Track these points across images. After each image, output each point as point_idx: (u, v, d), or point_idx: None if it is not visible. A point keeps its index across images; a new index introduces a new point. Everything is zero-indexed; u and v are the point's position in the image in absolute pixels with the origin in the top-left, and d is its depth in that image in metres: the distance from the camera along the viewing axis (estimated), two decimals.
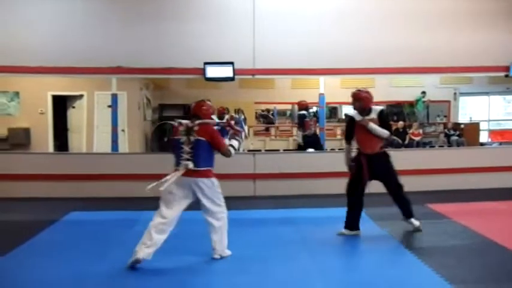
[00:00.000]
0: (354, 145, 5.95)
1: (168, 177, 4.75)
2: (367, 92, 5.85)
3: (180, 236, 5.77)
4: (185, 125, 4.88)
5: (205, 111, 4.99)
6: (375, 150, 5.78)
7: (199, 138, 4.80)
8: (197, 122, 4.87)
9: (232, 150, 5.06)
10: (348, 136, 5.96)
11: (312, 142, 10.21)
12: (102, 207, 7.51)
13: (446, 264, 4.73)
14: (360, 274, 4.67)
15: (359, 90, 5.87)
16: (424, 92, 14.10)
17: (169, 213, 4.77)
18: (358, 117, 5.79)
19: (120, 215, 7.09)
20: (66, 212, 7.08)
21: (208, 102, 5.09)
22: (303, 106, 10.67)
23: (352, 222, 5.88)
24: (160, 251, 5.00)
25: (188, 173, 4.75)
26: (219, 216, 4.92)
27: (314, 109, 10.79)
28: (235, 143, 5.15)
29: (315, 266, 4.84)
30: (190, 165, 4.74)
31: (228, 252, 5.00)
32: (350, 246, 5.62)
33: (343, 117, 15.11)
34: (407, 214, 5.97)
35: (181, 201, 4.83)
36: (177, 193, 4.80)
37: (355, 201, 5.90)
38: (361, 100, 5.78)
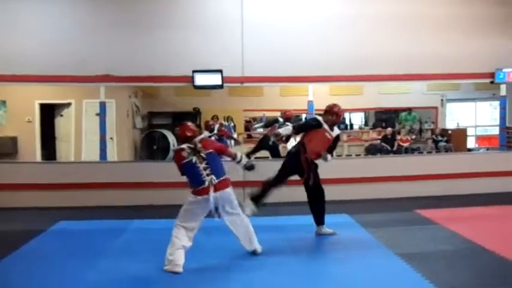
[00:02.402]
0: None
1: (198, 200, 4.95)
2: (340, 109, 6.16)
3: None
4: (187, 147, 5.02)
5: (195, 131, 5.21)
6: (314, 158, 6.07)
7: (209, 151, 5.02)
8: (198, 139, 5.08)
9: (237, 153, 5.49)
10: (300, 130, 6.13)
11: (273, 147, 10.05)
12: (90, 217, 7.45)
13: (435, 270, 4.76)
14: (349, 280, 4.66)
15: (334, 105, 6.14)
16: (409, 109, 14.30)
17: (196, 226, 5.02)
18: (326, 127, 6.04)
19: (109, 224, 7.04)
20: (54, 222, 7.00)
21: (189, 123, 5.29)
22: (289, 116, 10.37)
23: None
24: (154, 261, 5.00)
25: (212, 188, 4.92)
26: (243, 219, 5.23)
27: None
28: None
29: (304, 274, 4.86)
30: (215, 179, 4.94)
31: (259, 246, 5.33)
32: (339, 252, 5.63)
33: None
34: (322, 221, 6.22)
35: (204, 214, 5.05)
36: (206, 210, 5.00)
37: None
38: (334, 115, 6.07)
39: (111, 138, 11.21)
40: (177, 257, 4.79)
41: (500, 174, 8.96)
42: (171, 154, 12.66)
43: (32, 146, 11.48)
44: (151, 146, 12.77)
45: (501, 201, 8.04)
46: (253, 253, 5.28)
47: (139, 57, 8.67)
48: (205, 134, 5.38)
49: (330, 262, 5.26)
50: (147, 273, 4.80)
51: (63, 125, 12.18)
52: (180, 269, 4.76)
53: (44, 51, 8.52)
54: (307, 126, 6.22)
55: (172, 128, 13.71)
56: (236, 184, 5.57)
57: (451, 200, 8.24)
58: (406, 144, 13.05)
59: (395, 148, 12.90)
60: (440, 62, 9.09)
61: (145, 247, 5.79)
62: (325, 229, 6.20)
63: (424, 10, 9.12)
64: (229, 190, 5.09)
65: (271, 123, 10.44)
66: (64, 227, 6.90)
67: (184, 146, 5.05)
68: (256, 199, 5.98)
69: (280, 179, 6.10)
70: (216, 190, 4.92)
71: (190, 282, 4.62)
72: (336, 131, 6.18)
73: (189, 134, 5.11)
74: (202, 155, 4.97)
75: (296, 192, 8.25)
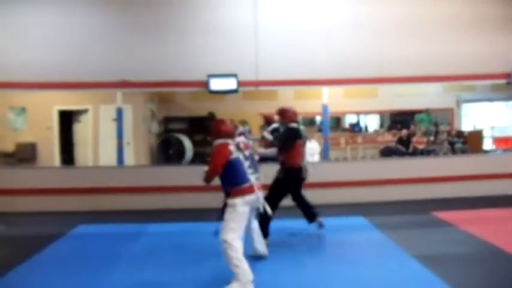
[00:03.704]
0: None
1: (254, 197, 4.72)
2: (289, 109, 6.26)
3: (189, 249, 5.84)
4: (234, 143, 4.82)
5: (232, 130, 5.01)
6: None
7: (250, 152, 5.00)
8: (239, 139, 5.00)
9: None
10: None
11: None
12: (109, 220, 7.58)
13: (452, 272, 4.75)
14: (365, 282, 4.68)
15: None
16: (427, 110, 14.07)
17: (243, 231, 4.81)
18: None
19: (127, 227, 7.15)
20: (73, 226, 7.14)
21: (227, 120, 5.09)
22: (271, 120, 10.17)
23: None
24: (171, 265, 5.07)
25: (257, 187, 4.80)
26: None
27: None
28: None
29: (321, 275, 4.88)
30: (258, 176, 4.89)
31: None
32: (356, 254, 5.65)
33: (347, 126, 15.15)
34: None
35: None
36: (251, 210, 4.83)
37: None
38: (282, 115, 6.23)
39: (128, 143, 11.34)
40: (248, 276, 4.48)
41: None
42: (187, 158, 12.76)
43: (51, 151, 11.67)
44: (167, 151, 12.87)
45: None
46: (262, 256, 5.31)
47: (155, 63, 8.78)
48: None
49: (346, 264, 5.27)
50: (164, 277, 4.86)
51: (81, 130, 12.35)
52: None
53: (62, 59, 8.67)
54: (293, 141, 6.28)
55: (188, 132, 13.82)
56: None
57: (468, 202, 8.20)
58: (421, 146, 12.94)
59: (410, 150, 12.81)
60: (456, 63, 9.04)
61: (162, 250, 5.87)
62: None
63: (439, 11, 9.09)
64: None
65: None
66: (83, 231, 7.03)
67: (229, 141, 4.80)
68: None
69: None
70: (259, 190, 4.81)
71: (207, 285, 4.68)
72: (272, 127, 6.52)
73: (230, 130, 4.91)
74: (246, 153, 4.88)
75: (314, 195, 8.30)
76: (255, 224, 5.26)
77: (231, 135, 4.87)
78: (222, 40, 8.86)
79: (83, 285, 4.72)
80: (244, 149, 4.90)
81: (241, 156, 4.78)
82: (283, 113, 6.16)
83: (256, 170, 4.94)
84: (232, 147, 4.75)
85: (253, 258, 5.25)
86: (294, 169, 6.00)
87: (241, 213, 4.62)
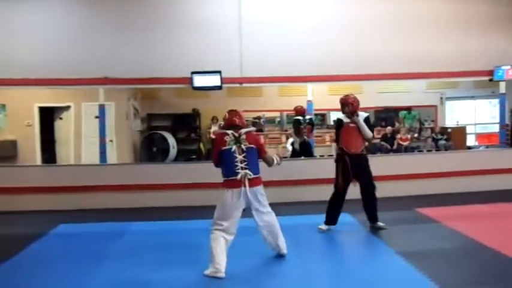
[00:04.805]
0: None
1: (230, 193, 4.75)
2: (355, 97, 6.42)
3: (173, 247, 5.76)
4: (231, 134, 4.87)
5: (243, 120, 5.08)
6: (358, 151, 6.29)
7: (251, 146, 4.87)
8: (244, 130, 4.93)
9: (274, 159, 5.19)
10: (337, 138, 6.54)
11: (304, 149, 10.07)
12: (91, 219, 7.45)
13: (436, 268, 4.75)
14: (350, 279, 4.66)
15: (345, 96, 6.43)
16: (409, 108, 14.18)
17: (232, 225, 4.77)
18: (347, 120, 6.36)
19: (109, 226, 7.03)
20: (55, 225, 7.00)
21: (240, 111, 5.15)
22: (300, 112, 10.48)
23: (332, 218, 6.36)
24: (155, 264, 4.99)
25: (246, 182, 4.75)
26: (273, 217, 5.06)
27: (309, 116, 10.54)
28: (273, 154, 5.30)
29: (306, 272, 4.84)
30: (249, 173, 4.77)
31: (285, 251, 5.20)
32: (340, 251, 5.65)
33: (332, 123, 15.18)
34: (374, 219, 6.38)
35: (240, 209, 4.81)
36: (240, 204, 4.77)
37: (339, 197, 6.35)
38: (349, 105, 6.34)
39: (110, 140, 11.21)
40: (218, 261, 4.60)
41: (501, 172, 8.95)
42: (170, 156, 12.67)
43: (31, 149, 11.48)
44: (151, 148, 12.77)
45: (501, 199, 8.02)
46: (280, 255, 5.19)
47: (137, 59, 8.69)
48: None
49: (330, 260, 5.26)
50: (148, 276, 4.79)
51: (63, 128, 12.18)
52: (222, 274, 4.56)
53: (42, 54, 8.55)
54: (337, 130, 6.54)
55: (172, 129, 13.73)
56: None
57: (452, 198, 8.24)
58: (405, 143, 13.04)
59: (395, 147, 12.89)
60: (439, 61, 9.11)
61: (146, 249, 5.79)
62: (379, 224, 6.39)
63: (422, 9, 9.16)
64: (260, 188, 4.91)
65: (296, 125, 10.25)
66: (64, 230, 6.90)
67: (229, 131, 4.88)
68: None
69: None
70: (249, 186, 4.75)
71: (192, 284, 4.62)
72: (362, 115, 6.44)
73: (237, 121, 4.96)
74: (243, 147, 4.82)
75: (295, 193, 8.29)
76: (264, 219, 4.99)
77: (230, 125, 4.95)
78: (206, 37, 8.81)
79: (66, 285, 4.61)
80: (251, 142, 4.86)
81: (233, 148, 4.79)
82: (343, 101, 6.39)
83: (252, 166, 4.81)
84: (228, 138, 4.83)
85: (240, 255, 5.18)
86: None
87: (223, 205, 4.75)
